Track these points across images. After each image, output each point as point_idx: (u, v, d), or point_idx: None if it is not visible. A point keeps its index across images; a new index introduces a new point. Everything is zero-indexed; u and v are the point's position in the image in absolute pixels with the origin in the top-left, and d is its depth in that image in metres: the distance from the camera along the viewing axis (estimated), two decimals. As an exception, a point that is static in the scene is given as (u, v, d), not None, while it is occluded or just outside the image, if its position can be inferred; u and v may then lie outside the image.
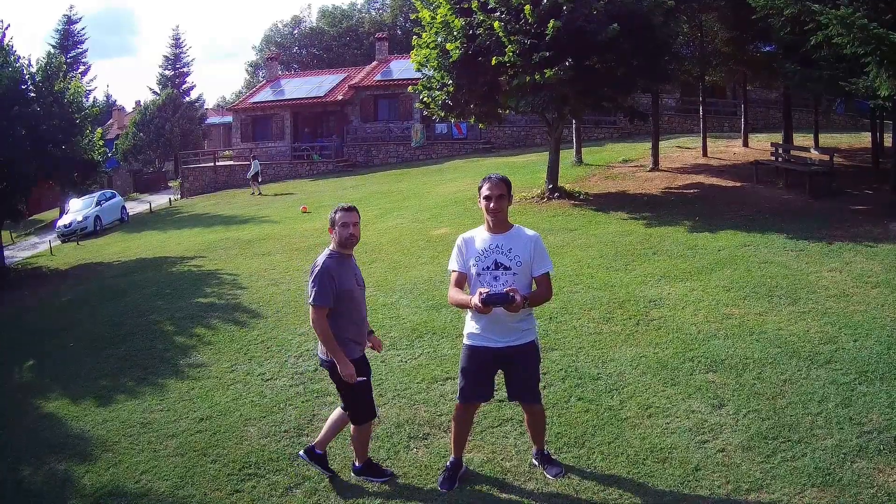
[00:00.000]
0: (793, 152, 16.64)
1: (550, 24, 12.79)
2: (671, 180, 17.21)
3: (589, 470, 4.78)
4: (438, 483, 4.77)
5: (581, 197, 15.42)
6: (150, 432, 6.20)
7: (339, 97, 33.77)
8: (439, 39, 14.89)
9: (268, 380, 7.04)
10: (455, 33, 14.45)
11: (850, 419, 5.12)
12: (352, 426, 4.86)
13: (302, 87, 36.69)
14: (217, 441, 5.81)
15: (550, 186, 15.61)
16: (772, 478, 4.52)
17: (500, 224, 4.41)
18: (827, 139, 21.10)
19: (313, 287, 4.51)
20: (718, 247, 10.39)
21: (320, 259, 4.61)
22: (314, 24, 66.41)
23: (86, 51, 56.37)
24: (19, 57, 18.59)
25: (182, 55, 57.58)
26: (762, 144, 21.04)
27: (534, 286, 4.42)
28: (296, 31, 66.80)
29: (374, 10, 66.42)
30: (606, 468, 4.80)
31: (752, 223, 11.87)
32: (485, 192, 4.37)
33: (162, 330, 9.54)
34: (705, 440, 5.04)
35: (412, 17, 17.68)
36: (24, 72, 18.60)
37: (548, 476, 4.72)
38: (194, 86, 55.40)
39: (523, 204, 15.10)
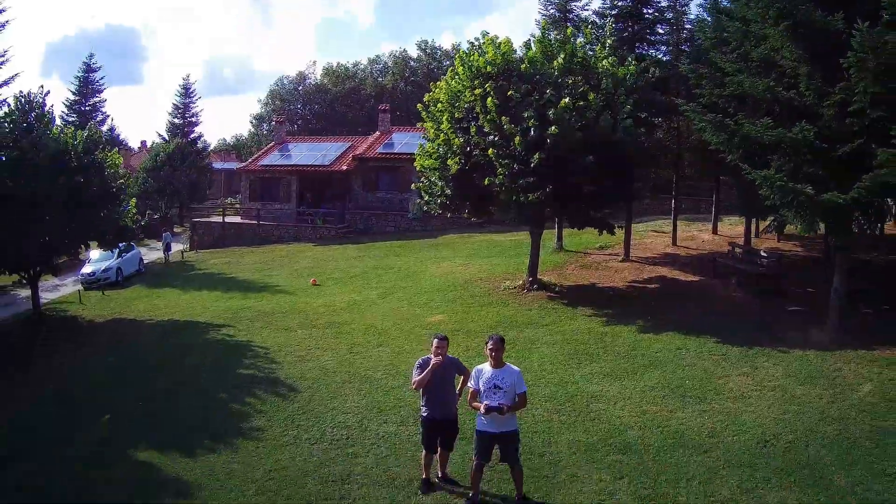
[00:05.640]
0: (746, 251, 19.14)
1: (536, 156, 15.49)
2: (638, 272, 19.78)
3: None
4: None
5: (556, 290, 18.04)
6: (234, 479, 8.85)
7: (344, 167, 36.57)
8: (441, 152, 17.60)
9: (313, 444, 9.69)
10: (455, 149, 17.17)
11: (707, 494, 7.78)
12: None
13: (308, 153, 39.45)
14: (284, 487, 8.47)
15: (530, 279, 18.32)
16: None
17: (498, 363, 7.66)
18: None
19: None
20: (657, 349, 12.89)
21: (421, 358, 8.16)
22: (318, 81, 69.30)
23: (104, 101, 59.21)
24: (54, 120, 21.26)
25: (191, 104, 58.58)
26: (732, 230, 23.69)
27: (516, 399, 7.50)
28: (300, 88, 69.69)
29: (377, 71, 69.35)
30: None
31: (693, 325, 14.07)
32: (489, 347, 7.67)
33: (216, 397, 12.12)
34: (602, 500, 7.81)
35: (419, 130, 20.41)
36: (68, 144, 21.05)
37: None
38: (202, 135, 57.26)
39: (506, 295, 17.77)
